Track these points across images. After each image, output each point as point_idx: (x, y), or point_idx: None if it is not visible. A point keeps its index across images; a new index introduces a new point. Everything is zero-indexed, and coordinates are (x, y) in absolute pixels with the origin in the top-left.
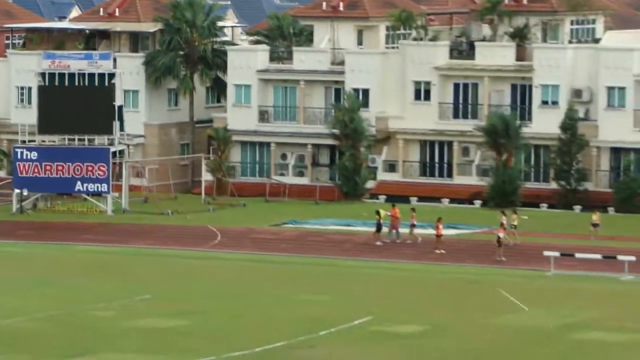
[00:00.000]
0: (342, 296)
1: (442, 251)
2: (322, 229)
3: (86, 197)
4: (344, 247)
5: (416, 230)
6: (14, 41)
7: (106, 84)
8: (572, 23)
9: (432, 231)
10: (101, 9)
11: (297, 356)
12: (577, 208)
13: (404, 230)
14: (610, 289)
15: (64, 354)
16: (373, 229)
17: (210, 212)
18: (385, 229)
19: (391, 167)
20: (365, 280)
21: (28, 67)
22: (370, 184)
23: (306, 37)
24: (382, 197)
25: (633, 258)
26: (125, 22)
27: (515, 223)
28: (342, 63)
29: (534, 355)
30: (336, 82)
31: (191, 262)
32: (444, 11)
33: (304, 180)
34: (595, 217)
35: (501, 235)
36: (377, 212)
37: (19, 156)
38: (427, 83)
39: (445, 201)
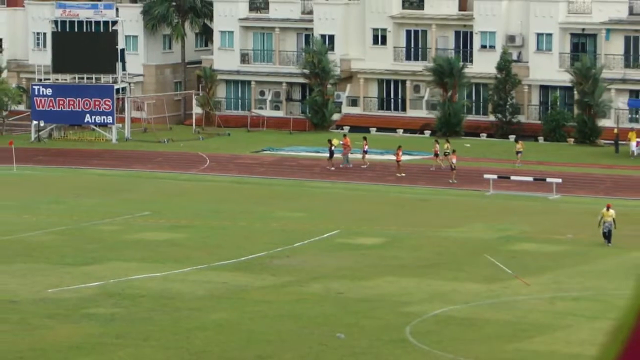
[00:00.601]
0: (313, 213)
1: (403, 174)
2: (295, 155)
3: (94, 127)
4: (314, 170)
5: (374, 157)
6: None
7: (110, 30)
8: None
9: (389, 157)
10: None
11: (276, 264)
12: (512, 137)
13: (357, 156)
14: (540, 206)
15: (76, 262)
16: (339, 155)
17: (200, 140)
18: (338, 156)
19: (353, 102)
20: (333, 199)
21: (43, 15)
22: (336, 117)
23: None
24: (346, 128)
25: (559, 180)
26: None
27: (448, 150)
28: (311, 12)
29: (476, 263)
30: (306, 29)
31: (184, 183)
32: None
33: (279, 114)
34: (519, 145)
35: (454, 160)
36: (329, 141)
37: (36, 92)
38: (384, 30)
39: (400, 131)
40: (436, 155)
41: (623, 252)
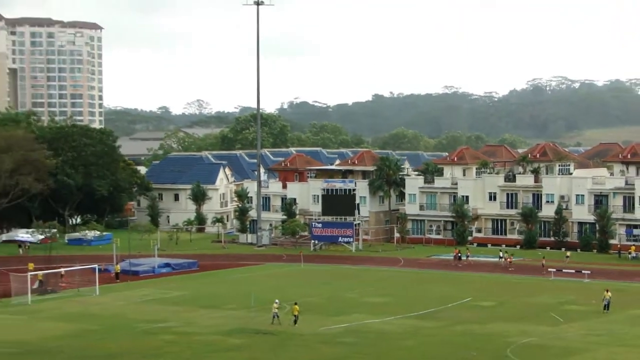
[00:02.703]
0: (455, 288)
1: (512, 269)
2: (448, 258)
3: (343, 243)
4: (457, 267)
5: (494, 260)
6: (311, 174)
7: (351, 193)
8: (559, 165)
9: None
10: (349, 160)
11: (437, 315)
12: (563, 249)
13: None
14: (579, 286)
15: (333, 314)
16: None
17: (398, 250)
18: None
19: (478, 230)
20: (466, 281)
21: (317, 186)
22: (469, 238)
23: (440, 172)
24: (475, 244)
25: (589, 272)
26: (359, 166)
27: (506, 255)
28: (456, 184)
29: (546, 315)
30: (454, 192)
31: (389, 273)
32: (501, 160)
33: (439, 236)
34: (568, 254)
35: (544, 262)
36: (456, 250)
37: (313, 225)
38: (494, 193)
39: (503, 246)
40: (500, 257)
41: (622, 310)
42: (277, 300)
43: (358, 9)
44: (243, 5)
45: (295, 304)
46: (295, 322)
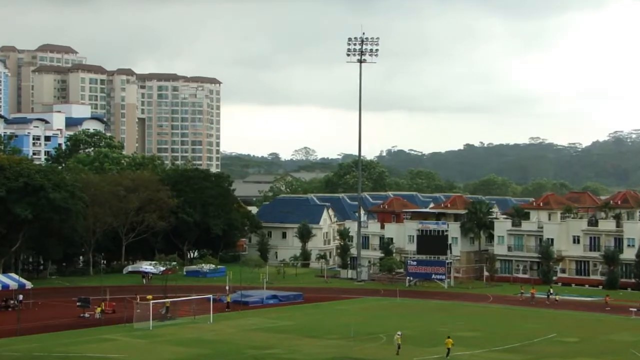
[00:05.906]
0: (542, 324)
1: (608, 308)
2: (538, 297)
3: (436, 280)
4: (545, 304)
5: (577, 298)
6: (407, 216)
7: (444, 234)
8: None
9: (585, 299)
10: (442, 204)
11: (524, 349)
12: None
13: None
14: None
15: (424, 345)
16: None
17: (487, 288)
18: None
19: (562, 270)
20: (552, 318)
21: (411, 227)
22: (554, 277)
23: (526, 216)
24: (560, 284)
25: None
26: (452, 209)
27: (607, 298)
28: (542, 227)
29: (627, 352)
30: (540, 235)
31: (478, 308)
32: (585, 206)
33: (527, 276)
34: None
35: (608, 299)
36: (525, 288)
37: (409, 263)
38: (578, 236)
39: (586, 286)
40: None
41: None
42: (399, 332)
43: (438, 69)
44: (346, 63)
45: (449, 337)
46: (447, 354)
